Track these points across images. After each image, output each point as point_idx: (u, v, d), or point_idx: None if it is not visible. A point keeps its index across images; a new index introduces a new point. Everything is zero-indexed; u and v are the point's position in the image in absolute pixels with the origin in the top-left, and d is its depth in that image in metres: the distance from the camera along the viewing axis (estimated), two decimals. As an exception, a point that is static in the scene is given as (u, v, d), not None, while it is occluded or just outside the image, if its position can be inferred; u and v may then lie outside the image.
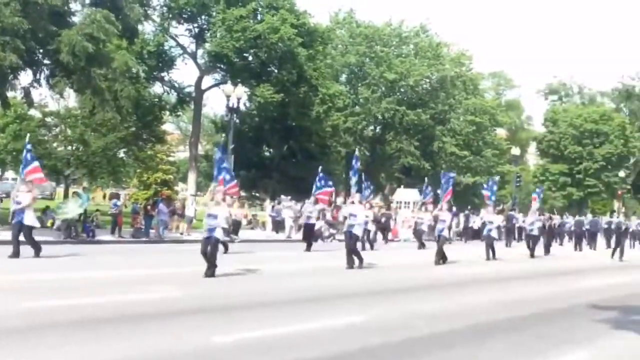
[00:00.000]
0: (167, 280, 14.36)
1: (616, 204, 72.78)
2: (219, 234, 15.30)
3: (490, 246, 25.32)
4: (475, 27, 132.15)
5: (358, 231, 19.51)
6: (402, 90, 55.09)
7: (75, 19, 30.53)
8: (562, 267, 24.52)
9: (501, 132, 77.21)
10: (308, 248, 25.42)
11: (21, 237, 17.48)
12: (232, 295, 13.07)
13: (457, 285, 16.82)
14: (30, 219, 17.75)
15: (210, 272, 14.90)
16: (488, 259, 24.73)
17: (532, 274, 20.88)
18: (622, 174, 72.22)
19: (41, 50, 29.95)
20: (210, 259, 15.06)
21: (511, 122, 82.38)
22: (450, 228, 26.92)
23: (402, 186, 57.35)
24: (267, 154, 50.59)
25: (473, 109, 60.65)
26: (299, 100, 44.65)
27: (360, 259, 19.06)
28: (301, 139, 47.09)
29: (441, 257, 21.92)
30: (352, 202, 20.30)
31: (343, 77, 56.17)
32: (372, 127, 58.38)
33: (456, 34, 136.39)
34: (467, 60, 60.57)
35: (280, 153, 48.62)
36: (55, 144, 47.16)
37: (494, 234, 26.02)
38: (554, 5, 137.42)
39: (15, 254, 17.14)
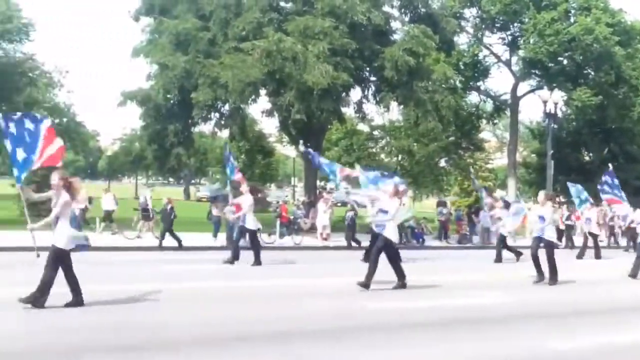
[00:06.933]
0: (495, 285, 14.85)
1: None
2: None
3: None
4: None
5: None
6: None
7: (396, 36, 33.06)
8: None
9: None
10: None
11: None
12: (563, 302, 13.24)
13: None
14: (251, 223, 18.09)
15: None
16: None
17: None
18: None
19: (368, 68, 32.81)
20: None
21: None
22: None
23: None
24: (586, 158, 49.75)
25: None
26: (618, 101, 43.46)
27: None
28: (622, 141, 45.74)
29: None
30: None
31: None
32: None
33: None
34: None
35: (600, 157, 47.52)
36: (382, 155, 50.66)
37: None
38: None
39: (236, 257, 17.83)
